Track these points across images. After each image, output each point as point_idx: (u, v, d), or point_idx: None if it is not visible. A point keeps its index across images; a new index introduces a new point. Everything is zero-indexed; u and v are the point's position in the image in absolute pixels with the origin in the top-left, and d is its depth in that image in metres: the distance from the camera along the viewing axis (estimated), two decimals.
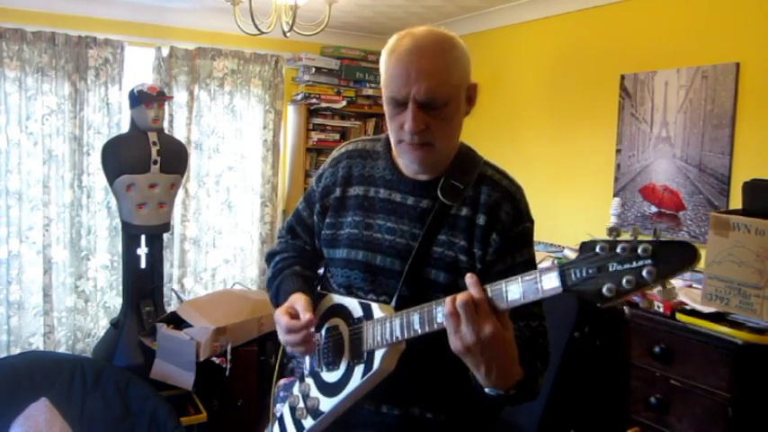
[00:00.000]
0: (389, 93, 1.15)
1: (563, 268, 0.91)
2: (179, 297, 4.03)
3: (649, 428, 2.34)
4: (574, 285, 0.89)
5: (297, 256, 1.39)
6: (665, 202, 2.95)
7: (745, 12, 2.64)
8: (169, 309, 3.78)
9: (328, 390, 1.22)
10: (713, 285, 2.20)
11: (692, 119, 2.82)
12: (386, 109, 1.19)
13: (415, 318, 1.08)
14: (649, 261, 0.82)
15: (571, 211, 3.46)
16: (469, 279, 0.99)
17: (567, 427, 2.48)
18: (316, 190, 1.35)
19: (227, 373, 2.98)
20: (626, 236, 0.88)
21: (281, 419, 1.35)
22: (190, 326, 3.07)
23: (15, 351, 3.70)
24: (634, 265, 0.83)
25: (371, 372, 1.14)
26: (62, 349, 3.94)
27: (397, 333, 1.10)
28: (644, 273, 0.82)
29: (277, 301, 1.34)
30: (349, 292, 1.26)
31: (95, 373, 2.67)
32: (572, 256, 3.01)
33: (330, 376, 1.22)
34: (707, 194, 2.76)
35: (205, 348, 2.96)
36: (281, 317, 1.20)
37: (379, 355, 1.13)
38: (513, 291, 0.96)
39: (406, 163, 1.22)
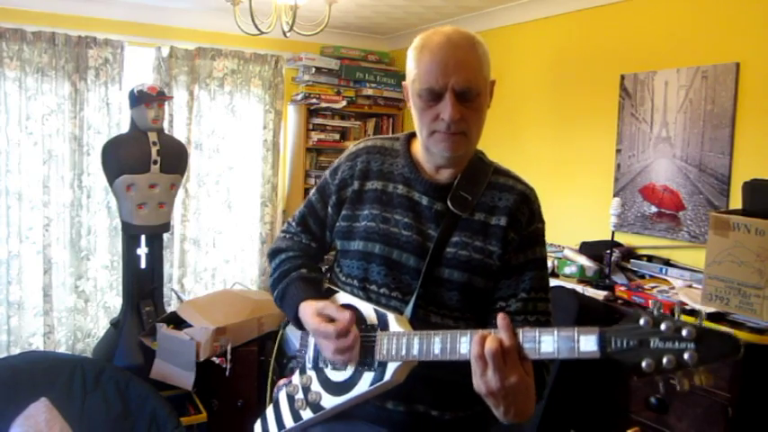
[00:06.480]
0: (425, 84, 1.17)
1: (603, 333, 0.90)
2: (179, 297, 4.03)
3: (649, 428, 2.34)
4: (613, 353, 0.89)
5: (302, 256, 1.38)
6: (665, 202, 2.95)
7: (745, 12, 2.64)
8: (169, 309, 3.78)
9: (332, 388, 1.23)
10: (713, 285, 2.20)
11: (692, 119, 2.82)
12: (416, 102, 1.21)
13: (437, 343, 1.08)
14: (692, 345, 0.82)
15: (571, 211, 3.45)
16: (501, 321, 0.97)
17: (567, 427, 2.48)
18: (331, 182, 1.36)
19: (227, 373, 2.98)
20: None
21: (275, 404, 1.36)
22: (190, 326, 3.07)
23: (15, 351, 3.70)
24: (676, 345, 0.83)
25: (382, 382, 1.15)
26: (62, 349, 3.94)
27: (414, 353, 1.11)
28: (685, 355, 0.82)
29: (282, 304, 1.34)
30: (363, 284, 1.27)
31: (95, 373, 2.66)
32: (572, 255, 3.03)
33: (335, 375, 1.23)
34: (707, 194, 2.76)
35: (205, 348, 2.96)
36: (320, 326, 1.18)
37: (392, 367, 1.14)
38: (547, 343, 0.95)
39: (439, 152, 1.22)
